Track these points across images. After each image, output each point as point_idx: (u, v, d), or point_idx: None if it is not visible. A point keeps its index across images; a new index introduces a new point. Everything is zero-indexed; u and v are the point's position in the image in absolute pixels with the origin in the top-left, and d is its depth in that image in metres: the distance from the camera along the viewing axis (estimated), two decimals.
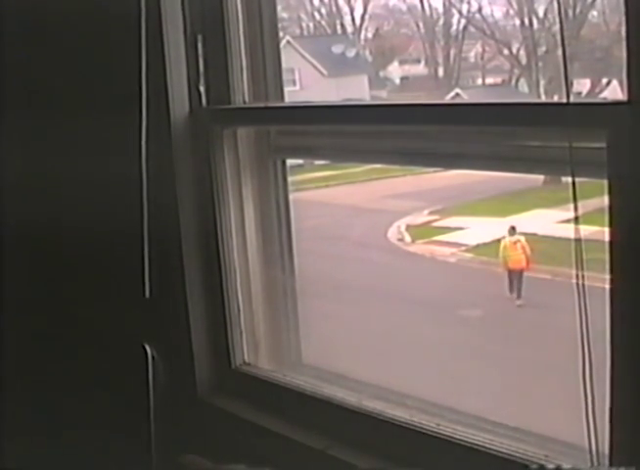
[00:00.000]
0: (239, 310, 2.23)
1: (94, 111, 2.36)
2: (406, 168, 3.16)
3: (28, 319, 2.70)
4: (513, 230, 2.57)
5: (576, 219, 1.50)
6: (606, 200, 1.44)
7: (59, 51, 2.45)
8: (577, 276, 1.48)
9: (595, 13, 2.53)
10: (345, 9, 3.28)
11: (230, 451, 2.06)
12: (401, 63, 3.34)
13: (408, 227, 3.58)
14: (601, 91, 2.56)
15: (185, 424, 2.27)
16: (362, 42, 3.36)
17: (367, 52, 3.46)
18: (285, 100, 2.18)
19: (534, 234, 3.13)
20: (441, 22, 3.10)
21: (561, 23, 1.53)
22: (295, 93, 2.84)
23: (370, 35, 3.34)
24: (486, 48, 3.03)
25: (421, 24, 3.15)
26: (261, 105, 2.17)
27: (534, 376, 2.64)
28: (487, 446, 1.70)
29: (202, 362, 2.29)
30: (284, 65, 2.18)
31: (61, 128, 2.47)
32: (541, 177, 2.70)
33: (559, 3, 1.54)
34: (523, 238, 2.58)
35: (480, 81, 3.16)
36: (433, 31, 3.13)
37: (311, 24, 3.38)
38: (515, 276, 2.55)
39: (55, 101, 2.50)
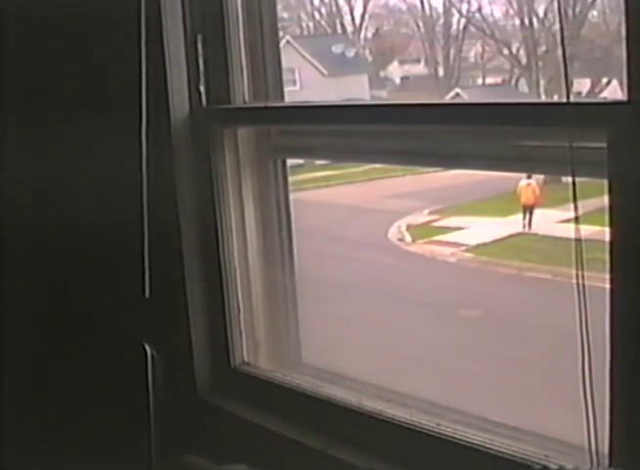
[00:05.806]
0: (239, 310, 2.23)
1: (94, 111, 2.36)
2: (406, 168, 3.16)
3: (28, 319, 2.70)
4: (529, 177, 3.01)
5: (576, 219, 1.50)
6: (606, 200, 1.44)
7: (59, 51, 2.45)
8: (577, 276, 1.48)
9: (595, 13, 2.53)
10: (345, 9, 3.28)
11: (230, 451, 2.06)
12: (401, 63, 3.34)
13: (408, 227, 3.59)
14: (601, 91, 2.57)
15: (185, 424, 2.27)
16: (362, 42, 3.37)
17: (367, 52, 3.46)
18: (285, 100, 2.18)
19: (535, 234, 3.14)
20: (441, 21, 3.10)
21: (561, 22, 1.53)
22: (295, 93, 2.85)
23: (370, 35, 3.34)
24: (486, 48, 3.04)
25: (421, 24, 3.16)
26: (261, 105, 2.17)
27: (534, 376, 2.64)
28: (487, 446, 1.70)
29: (201, 362, 2.29)
30: (284, 65, 2.18)
31: (61, 129, 2.47)
32: (541, 177, 2.71)
33: (559, 3, 1.54)
34: (534, 182, 3.03)
35: (480, 81, 3.17)
36: (433, 31, 3.13)
37: (311, 24, 3.39)
38: (527, 210, 3.17)
39: (55, 101, 2.50)
